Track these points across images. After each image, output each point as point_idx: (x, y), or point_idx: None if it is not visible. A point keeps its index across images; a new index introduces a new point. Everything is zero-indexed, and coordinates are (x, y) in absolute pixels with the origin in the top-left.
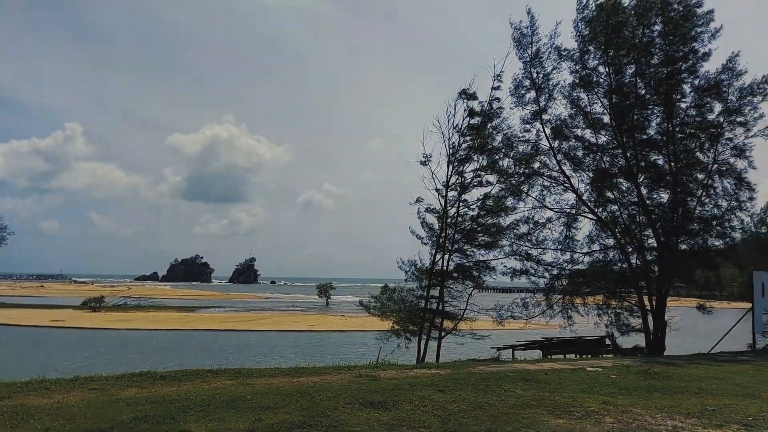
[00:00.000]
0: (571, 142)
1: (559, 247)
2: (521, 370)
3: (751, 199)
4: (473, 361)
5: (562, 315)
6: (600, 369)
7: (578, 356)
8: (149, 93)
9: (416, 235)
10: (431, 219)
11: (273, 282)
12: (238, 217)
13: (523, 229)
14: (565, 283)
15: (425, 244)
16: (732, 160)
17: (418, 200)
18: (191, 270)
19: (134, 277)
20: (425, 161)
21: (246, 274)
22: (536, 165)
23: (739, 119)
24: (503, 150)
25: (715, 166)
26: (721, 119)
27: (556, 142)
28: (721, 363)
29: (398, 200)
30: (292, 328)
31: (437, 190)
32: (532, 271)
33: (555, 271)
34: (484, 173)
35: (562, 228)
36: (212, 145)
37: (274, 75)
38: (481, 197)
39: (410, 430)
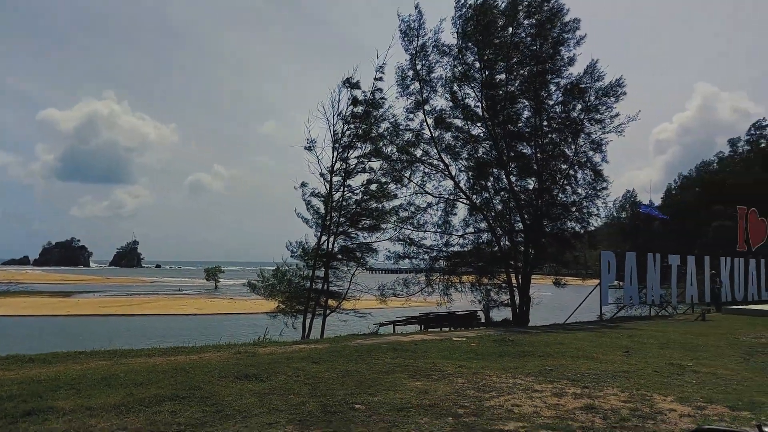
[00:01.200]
0: (451, 132)
1: (438, 230)
2: (394, 342)
3: (604, 188)
4: (353, 336)
5: (439, 293)
6: (464, 339)
7: (453, 329)
8: (18, 64)
9: (302, 218)
10: (317, 203)
11: (158, 266)
12: (121, 199)
13: (406, 213)
14: (443, 264)
15: (311, 227)
16: (590, 153)
17: (303, 184)
18: (67, 254)
19: (1, 261)
20: (309, 146)
21: (128, 257)
22: (419, 153)
23: (596, 117)
24: (388, 137)
25: (576, 158)
26: (582, 116)
27: (437, 131)
28: (569, 331)
29: (290, 184)
30: (178, 312)
31: (322, 174)
32: (414, 254)
33: (434, 253)
34: (367, 160)
35: (441, 213)
36: (90, 122)
37: (164, 54)
38: (364, 183)
39: (280, 397)
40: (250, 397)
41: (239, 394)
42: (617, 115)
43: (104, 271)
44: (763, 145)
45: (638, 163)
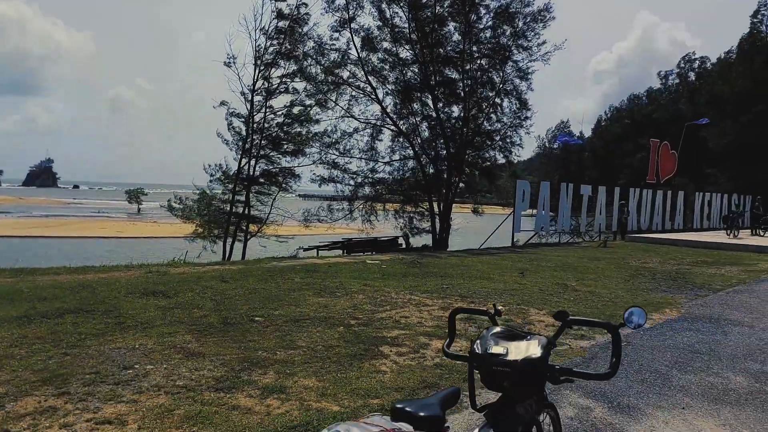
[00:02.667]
0: (378, 54)
1: (364, 156)
2: (309, 264)
3: (527, 118)
4: (271, 259)
5: (363, 219)
6: (378, 261)
7: (374, 254)
8: None
9: (222, 139)
10: (238, 123)
11: (76, 187)
12: (33, 113)
13: (332, 137)
14: (368, 191)
15: (231, 149)
16: (517, 81)
17: (222, 103)
18: None
19: None
20: (229, 62)
21: (42, 177)
22: (345, 74)
23: (524, 44)
24: (313, 57)
25: (503, 86)
26: (511, 43)
27: (364, 52)
28: (478, 255)
29: (218, 101)
30: (97, 235)
31: (243, 93)
32: (339, 179)
33: (359, 179)
34: (290, 80)
35: (367, 138)
36: None
37: None
38: (287, 104)
39: (184, 311)
40: (154, 311)
41: (143, 308)
42: (544, 42)
43: (16, 191)
44: (691, 78)
45: (576, 93)
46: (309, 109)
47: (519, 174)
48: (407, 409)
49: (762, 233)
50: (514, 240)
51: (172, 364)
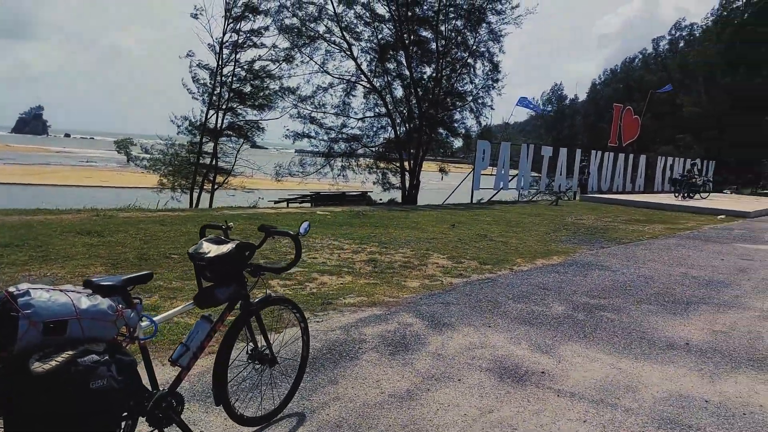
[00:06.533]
0: (355, 10)
1: (338, 112)
2: (257, 213)
3: (497, 80)
4: (224, 208)
5: (334, 176)
6: (328, 213)
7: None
8: None
9: (188, 89)
10: (204, 75)
11: (67, 135)
12: (25, 58)
13: (306, 91)
14: (342, 146)
15: (196, 99)
16: (490, 44)
17: (189, 54)
18: None
19: None
20: (196, 14)
21: (32, 124)
22: (321, 29)
23: (497, 7)
24: (290, 9)
25: (476, 47)
26: (485, 5)
27: (342, 6)
28: (430, 210)
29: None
30: (80, 184)
31: (210, 46)
32: (314, 134)
33: (333, 134)
34: (262, 34)
35: (341, 94)
36: None
37: None
38: (256, 58)
39: (108, 248)
40: (80, 248)
41: (72, 245)
42: (517, 5)
43: (6, 138)
44: (681, 45)
45: (580, 56)
46: (279, 63)
47: (513, 136)
48: (93, 279)
49: (692, 196)
50: (472, 197)
51: None
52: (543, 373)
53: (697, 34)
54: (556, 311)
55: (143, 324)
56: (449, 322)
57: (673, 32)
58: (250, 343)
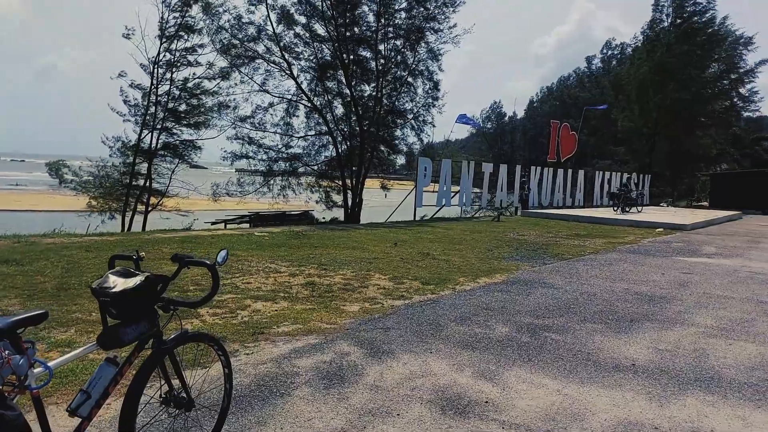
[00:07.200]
0: (295, 30)
1: (279, 131)
2: (190, 236)
3: (437, 98)
4: (163, 231)
5: (274, 195)
6: (266, 234)
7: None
8: None
9: (117, 112)
10: (135, 95)
11: None
12: None
13: (246, 111)
14: (283, 166)
15: (129, 120)
16: (429, 62)
17: (121, 75)
18: None
19: None
20: (128, 35)
21: None
22: (261, 49)
23: (436, 26)
24: (228, 30)
25: (416, 66)
26: (424, 25)
27: (281, 27)
28: (373, 228)
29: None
30: (8, 208)
31: (142, 66)
32: (252, 154)
33: (273, 154)
34: (197, 52)
35: (282, 114)
36: None
37: None
38: (191, 77)
39: (27, 278)
40: None
41: None
42: (455, 25)
43: None
44: (614, 63)
45: (520, 75)
46: (216, 81)
47: (455, 153)
48: None
49: (628, 209)
50: (415, 214)
51: None
52: (487, 402)
53: (628, 52)
54: (500, 333)
55: (36, 371)
56: (389, 350)
57: (604, 51)
58: (165, 385)
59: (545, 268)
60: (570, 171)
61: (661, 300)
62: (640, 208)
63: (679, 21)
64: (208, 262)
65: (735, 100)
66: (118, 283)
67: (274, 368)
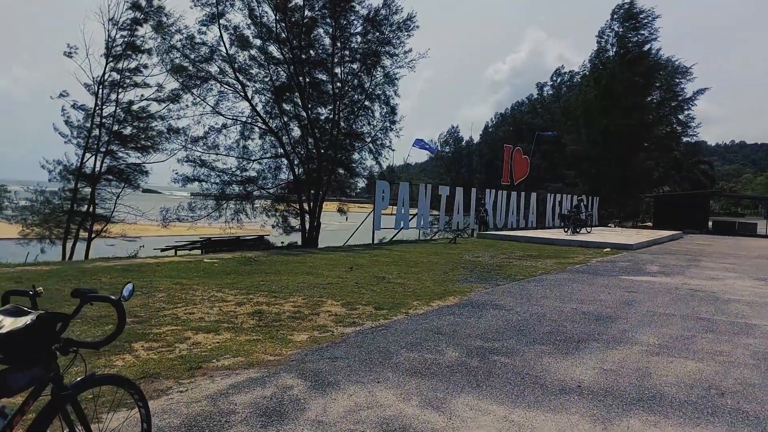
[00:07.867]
0: (249, 52)
1: (233, 154)
2: (134, 264)
3: (395, 122)
4: (105, 259)
5: (227, 219)
6: (215, 260)
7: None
8: None
9: (60, 133)
10: (78, 117)
11: None
12: None
13: (198, 133)
14: (237, 189)
15: (72, 143)
16: (386, 86)
17: (62, 94)
18: None
19: None
20: (70, 53)
21: None
22: (214, 70)
23: (391, 51)
24: (180, 50)
25: (372, 90)
26: (380, 49)
27: (234, 48)
28: (329, 252)
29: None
30: None
31: (86, 86)
32: (204, 177)
33: (227, 177)
34: (143, 73)
35: (237, 136)
36: None
37: None
38: (141, 98)
39: None
40: None
41: None
42: (410, 50)
43: None
44: (564, 90)
45: (476, 100)
46: (165, 104)
47: (414, 176)
48: None
49: (578, 231)
50: (374, 238)
51: None
52: None
53: (577, 80)
54: (450, 358)
55: None
56: (335, 381)
57: (554, 78)
58: None
59: (497, 289)
60: (523, 193)
61: (608, 319)
62: (589, 229)
63: (622, 51)
64: (113, 298)
65: (675, 125)
66: (5, 323)
67: (209, 406)
